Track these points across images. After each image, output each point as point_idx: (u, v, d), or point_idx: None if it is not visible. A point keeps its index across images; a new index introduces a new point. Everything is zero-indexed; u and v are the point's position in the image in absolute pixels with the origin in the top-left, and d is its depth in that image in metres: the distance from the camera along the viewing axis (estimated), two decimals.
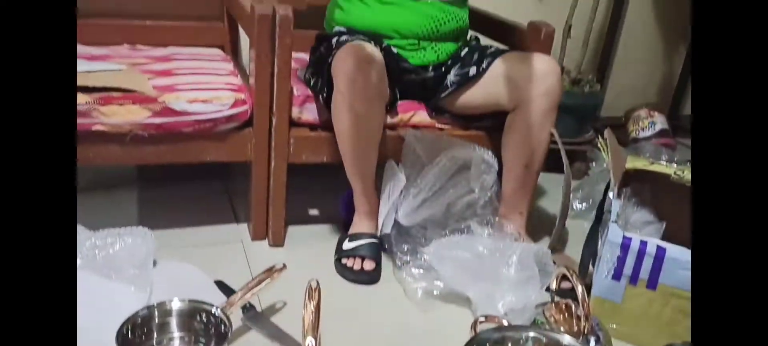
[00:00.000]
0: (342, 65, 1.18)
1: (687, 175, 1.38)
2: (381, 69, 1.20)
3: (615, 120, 2.23)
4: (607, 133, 1.42)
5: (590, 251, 1.29)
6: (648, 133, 2.06)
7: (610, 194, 1.28)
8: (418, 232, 1.30)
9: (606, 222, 1.23)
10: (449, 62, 1.39)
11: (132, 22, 1.60)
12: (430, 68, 1.37)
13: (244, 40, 1.74)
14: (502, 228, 1.28)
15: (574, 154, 1.87)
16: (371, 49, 1.20)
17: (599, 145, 1.38)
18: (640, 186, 1.45)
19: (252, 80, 1.31)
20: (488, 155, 1.31)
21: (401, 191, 1.30)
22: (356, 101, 1.18)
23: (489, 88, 1.33)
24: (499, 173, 1.36)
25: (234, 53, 1.71)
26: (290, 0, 1.55)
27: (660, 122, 2.08)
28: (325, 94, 1.28)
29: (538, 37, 1.39)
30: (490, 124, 1.41)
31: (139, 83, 1.23)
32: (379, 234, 1.35)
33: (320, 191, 1.61)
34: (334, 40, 1.30)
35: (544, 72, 1.27)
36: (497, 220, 1.30)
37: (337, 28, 1.37)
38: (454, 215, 1.28)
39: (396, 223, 1.32)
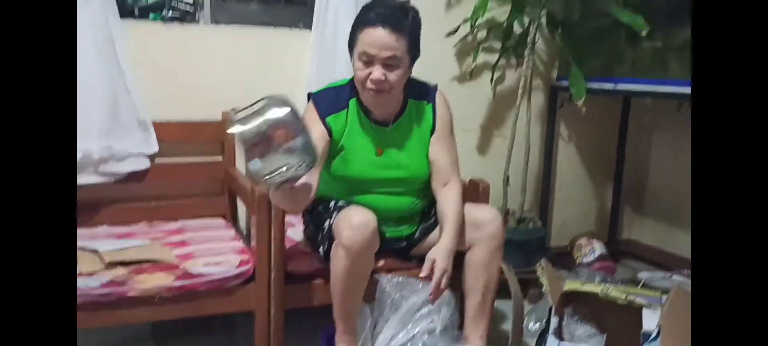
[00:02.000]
0: (345, 224, 1.47)
1: (612, 292, 1.69)
2: (375, 229, 1.50)
3: (562, 249, 2.58)
4: (543, 262, 1.75)
5: None
6: (590, 258, 2.40)
7: (550, 312, 1.59)
8: None
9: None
10: (416, 229, 1.71)
11: (149, 204, 1.94)
12: (404, 238, 1.71)
13: (241, 208, 2.09)
14: None
15: (528, 282, 2.19)
16: (368, 213, 1.50)
17: (537, 272, 1.70)
18: (581, 305, 1.76)
19: (253, 244, 1.63)
20: (447, 293, 1.62)
21: (373, 326, 1.58)
22: (354, 253, 1.47)
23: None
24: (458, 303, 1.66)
25: (233, 220, 2.05)
26: None
27: (599, 248, 2.43)
28: (325, 247, 1.58)
29: (477, 190, 1.78)
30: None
31: (165, 254, 1.54)
32: None
33: (307, 330, 1.86)
34: (332, 203, 1.62)
35: (488, 219, 1.61)
36: (462, 341, 1.58)
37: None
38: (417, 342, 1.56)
39: None
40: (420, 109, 1.66)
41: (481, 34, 2.33)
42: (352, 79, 1.61)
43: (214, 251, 1.61)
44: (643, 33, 1.92)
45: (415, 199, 1.68)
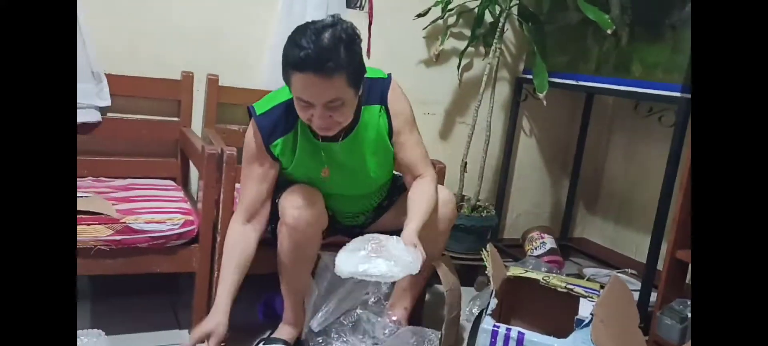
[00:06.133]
0: (289, 203, 1.44)
1: (553, 280, 1.73)
2: (322, 209, 1.47)
3: (515, 241, 2.62)
4: (489, 246, 1.77)
5: (473, 339, 1.58)
6: (540, 252, 2.44)
7: (492, 294, 1.61)
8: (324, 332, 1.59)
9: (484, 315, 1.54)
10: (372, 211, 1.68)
11: (97, 159, 1.89)
12: (359, 226, 1.68)
13: (194, 173, 2.05)
14: (389, 317, 1.57)
15: (477, 268, 2.21)
16: (315, 192, 1.47)
17: (483, 256, 1.72)
18: (522, 290, 1.79)
19: (200, 205, 1.60)
20: None
21: (313, 301, 1.58)
22: (298, 233, 1.44)
23: (398, 211, 1.64)
24: None
25: (184, 184, 2.01)
26: (235, 141, 1.90)
27: (549, 243, 2.47)
28: (272, 225, 1.55)
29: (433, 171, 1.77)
30: None
31: (105, 207, 1.51)
32: (302, 336, 1.60)
33: (250, 297, 1.83)
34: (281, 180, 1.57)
35: (442, 200, 1.59)
36: (386, 310, 1.59)
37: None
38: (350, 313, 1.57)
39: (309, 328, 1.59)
40: (373, 116, 1.50)
41: (451, 19, 2.33)
42: None
43: (159, 209, 1.58)
44: (609, 31, 1.95)
45: (373, 198, 1.65)
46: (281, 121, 1.46)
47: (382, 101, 1.51)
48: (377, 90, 1.51)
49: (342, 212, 1.64)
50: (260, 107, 1.48)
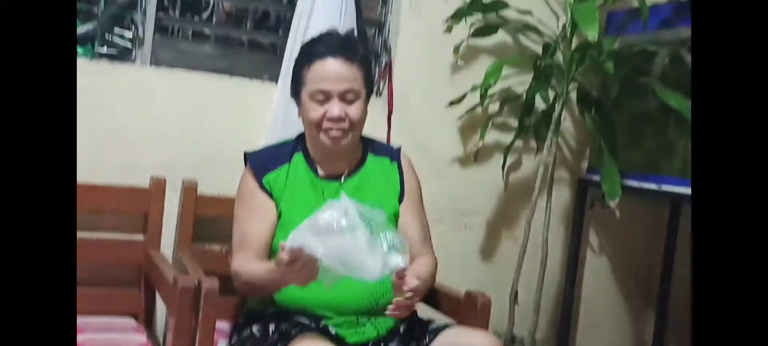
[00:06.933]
0: None
1: None
2: None
3: None
4: None
5: None
6: None
7: None
8: None
9: None
10: (388, 337, 1.67)
11: None
12: (370, 344, 1.66)
13: (160, 308, 2.04)
14: None
15: None
16: None
17: None
18: None
19: None
20: None
21: None
22: None
23: None
24: None
25: (148, 324, 2.00)
26: (216, 266, 1.91)
27: None
28: None
29: (474, 308, 1.74)
30: None
31: None
32: None
33: None
34: (273, 326, 1.58)
35: None
36: None
37: (269, 308, 1.65)
38: None
39: None
40: (382, 166, 1.77)
41: (493, 107, 2.38)
42: (297, 137, 1.76)
43: None
44: None
45: (382, 293, 1.63)
46: (275, 154, 1.74)
47: (393, 157, 1.80)
48: (386, 148, 1.85)
49: (343, 309, 1.61)
50: (253, 150, 1.78)
